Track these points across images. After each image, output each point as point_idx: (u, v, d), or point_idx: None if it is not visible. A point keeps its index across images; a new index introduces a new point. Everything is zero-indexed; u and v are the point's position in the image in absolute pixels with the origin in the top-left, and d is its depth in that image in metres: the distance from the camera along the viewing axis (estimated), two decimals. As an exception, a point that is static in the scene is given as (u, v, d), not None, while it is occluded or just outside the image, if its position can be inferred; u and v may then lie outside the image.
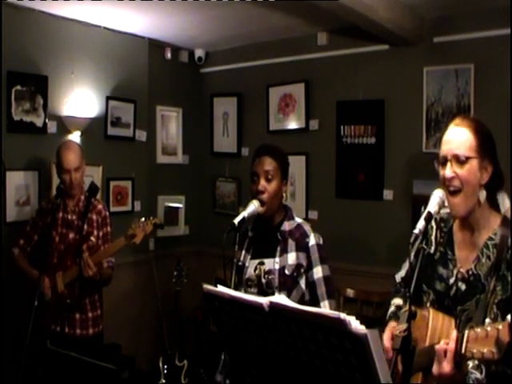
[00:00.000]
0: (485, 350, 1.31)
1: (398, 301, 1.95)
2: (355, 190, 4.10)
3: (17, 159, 3.60)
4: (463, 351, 1.36)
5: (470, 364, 1.49)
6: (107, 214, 3.26)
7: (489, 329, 1.33)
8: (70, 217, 3.16)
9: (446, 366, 1.41)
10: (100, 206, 3.23)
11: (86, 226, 3.12)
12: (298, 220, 2.43)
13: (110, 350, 3.59)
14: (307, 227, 2.40)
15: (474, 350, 1.34)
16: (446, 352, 1.41)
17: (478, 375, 1.52)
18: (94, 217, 3.18)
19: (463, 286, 1.67)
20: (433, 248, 1.80)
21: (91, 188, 3.18)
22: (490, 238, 1.66)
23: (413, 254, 1.62)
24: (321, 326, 1.17)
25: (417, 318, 1.66)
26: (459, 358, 1.38)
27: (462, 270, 1.69)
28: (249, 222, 2.40)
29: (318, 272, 2.32)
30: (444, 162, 1.68)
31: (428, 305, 1.74)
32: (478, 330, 1.35)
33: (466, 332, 1.37)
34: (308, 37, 4.30)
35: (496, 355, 1.29)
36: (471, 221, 1.69)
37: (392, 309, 1.94)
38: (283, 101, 4.47)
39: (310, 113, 4.32)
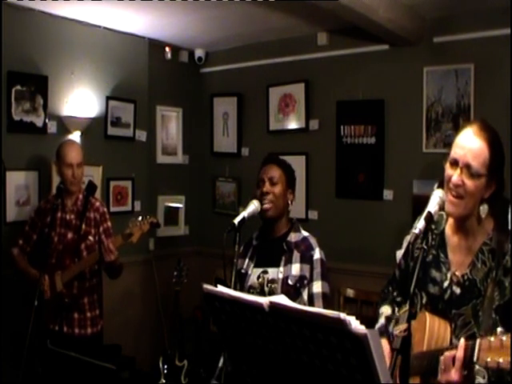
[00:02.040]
0: (500, 360, 1.30)
1: (386, 309, 1.94)
2: (355, 190, 4.10)
3: (17, 159, 3.60)
4: (475, 359, 1.35)
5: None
6: (105, 209, 3.29)
7: (504, 338, 1.31)
8: (68, 217, 3.17)
9: (455, 375, 1.40)
10: (98, 204, 3.26)
11: (84, 226, 3.14)
12: (305, 233, 2.48)
13: (110, 350, 3.59)
14: (313, 240, 2.44)
15: (488, 359, 1.32)
16: (453, 360, 1.40)
17: (481, 380, 1.51)
18: (92, 215, 3.20)
19: (458, 290, 1.67)
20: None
21: (89, 186, 3.20)
22: (485, 243, 1.66)
23: (402, 253, 1.62)
24: (321, 326, 1.17)
25: (412, 321, 1.66)
26: (469, 367, 1.37)
27: (457, 273, 1.69)
28: (254, 228, 2.43)
29: (317, 287, 2.36)
30: (454, 164, 1.65)
31: (419, 307, 1.74)
32: (492, 338, 1.34)
33: (478, 340, 1.36)
34: (308, 37, 4.29)
35: None
36: (466, 225, 1.69)
37: (382, 321, 1.92)
38: (283, 101, 4.46)
39: (310, 113, 4.32)
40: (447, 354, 1.44)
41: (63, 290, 3.03)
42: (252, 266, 2.44)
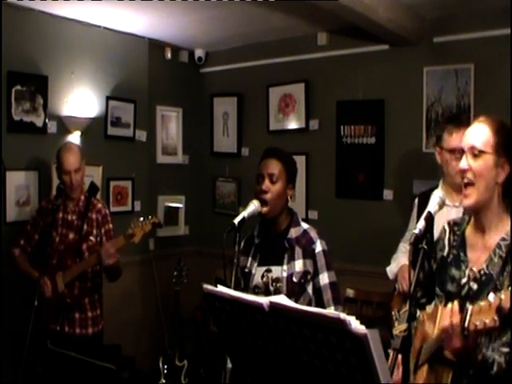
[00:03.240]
0: (487, 320, 1.35)
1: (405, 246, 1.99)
2: (355, 190, 4.10)
3: (17, 159, 3.60)
4: (466, 325, 1.41)
5: (489, 352, 1.52)
6: (107, 211, 3.27)
7: (492, 300, 1.36)
8: (69, 217, 3.17)
9: (456, 341, 1.46)
10: (100, 205, 3.25)
11: (85, 226, 3.14)
12: (305, 226, 2.44)
13: (110, 350, 3.59)
14: (313, 233, 2.41)
15: (477, 322, 1.38)
16: (452, 328, 1.46)
17: (498, 358, 1.53)
18: (94, 216, 3.19)
19: (475, 286, 1.67)
20: (446, 251, 1.80)
21: (91, 188, 3.19)
22: (503, 239, 1.66)
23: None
24: (321, 326, 1.17)
25: (426, 317, 1.68)
26: (466, 332, 1.43)
27: (474, 269, 1.69)
28: (255, 226, 2.40)
29: (323, 278, 2.34)
30: (461, 154, 1.70)
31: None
32: (482, 303, 1.39)
33: (470, 307, 1.42)
34: (308, 37, 4.29)
35: (498, 323, 1.33)
36: (484, 222, 1.70)
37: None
38: (283, 101, 4.46)
39: (310, 113, 4.32)
40: (446, 324, 1.49)
41: (64, 290, 3.03)
42: (255, 264, 2.43)
